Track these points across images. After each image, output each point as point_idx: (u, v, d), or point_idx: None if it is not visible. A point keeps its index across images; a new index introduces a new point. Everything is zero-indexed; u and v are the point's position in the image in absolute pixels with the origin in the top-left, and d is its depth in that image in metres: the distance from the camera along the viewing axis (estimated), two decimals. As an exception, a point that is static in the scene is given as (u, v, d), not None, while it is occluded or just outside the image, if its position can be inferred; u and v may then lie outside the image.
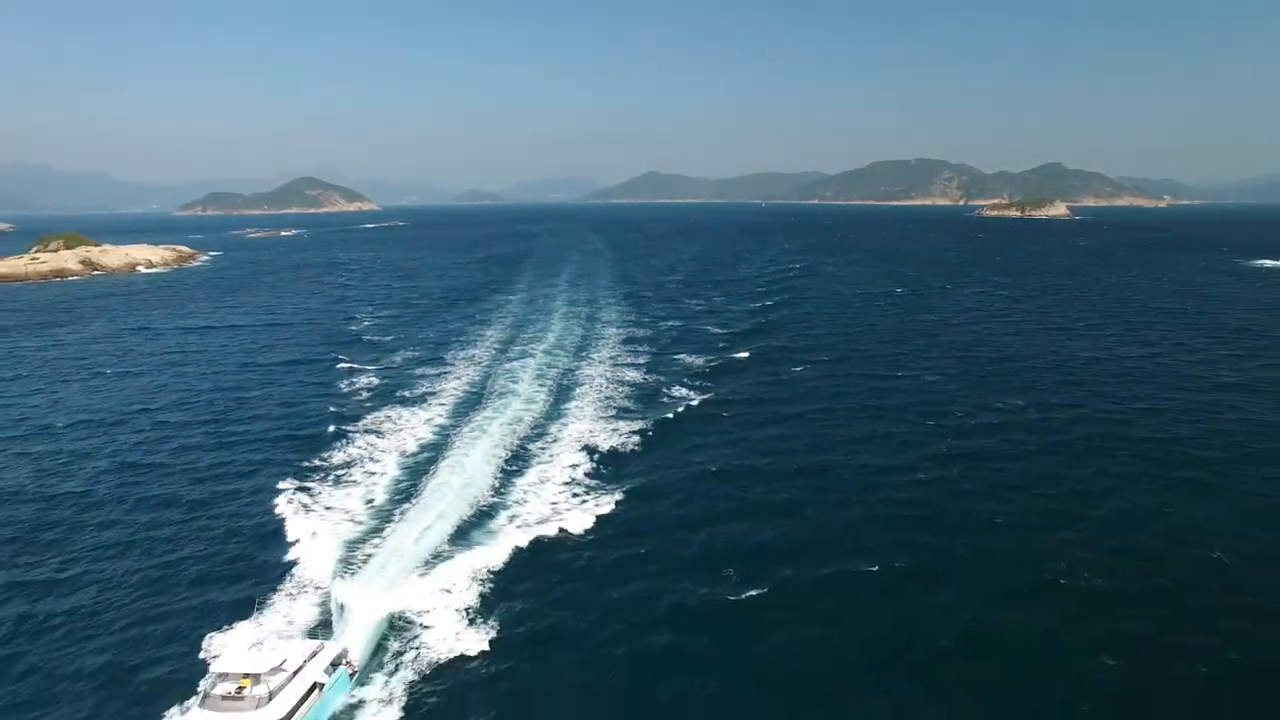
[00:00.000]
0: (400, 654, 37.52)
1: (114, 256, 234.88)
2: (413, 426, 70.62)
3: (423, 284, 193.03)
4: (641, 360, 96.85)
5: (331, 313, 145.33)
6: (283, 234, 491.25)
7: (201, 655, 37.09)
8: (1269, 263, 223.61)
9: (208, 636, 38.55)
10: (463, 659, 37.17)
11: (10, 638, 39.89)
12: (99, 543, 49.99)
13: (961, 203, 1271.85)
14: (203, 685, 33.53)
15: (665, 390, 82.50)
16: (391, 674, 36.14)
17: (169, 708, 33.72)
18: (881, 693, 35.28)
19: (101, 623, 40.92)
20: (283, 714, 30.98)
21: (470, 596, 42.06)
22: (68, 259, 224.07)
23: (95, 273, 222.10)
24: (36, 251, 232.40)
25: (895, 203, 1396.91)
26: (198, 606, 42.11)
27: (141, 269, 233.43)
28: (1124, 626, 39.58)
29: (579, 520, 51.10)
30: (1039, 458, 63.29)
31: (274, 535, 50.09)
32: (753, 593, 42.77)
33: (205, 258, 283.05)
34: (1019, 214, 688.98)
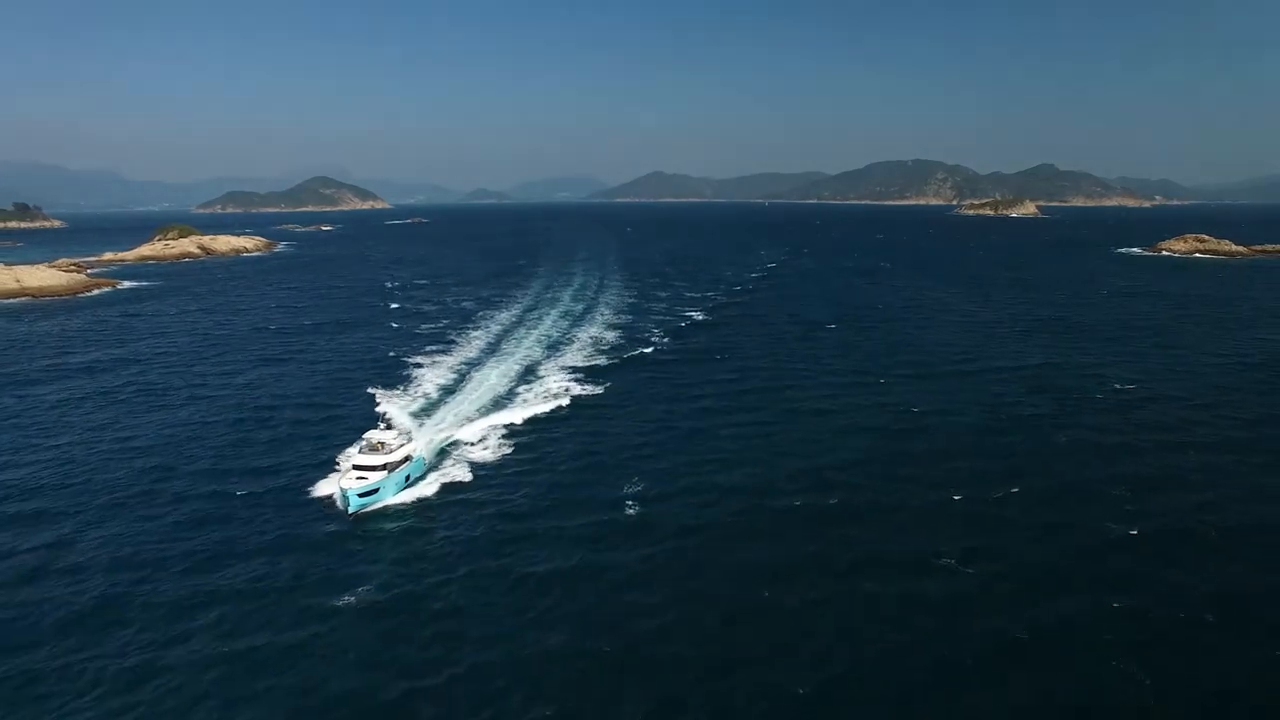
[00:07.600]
0: (452, 458, 66.99)
1: (220, 243, 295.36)
2: (462, 345, 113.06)
3: (466, 262, 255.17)
4: (635, 309, 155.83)
5: (405, 279, 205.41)
6: (323, 229, 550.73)
7: (356, 437, 68.13)
8: (1135, 250, 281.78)
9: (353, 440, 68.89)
10: (490, 466, 65.50)
11: (251, 444, 71.46)
12: (301, 385, 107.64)
13: (953, 202, 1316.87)
14: (360, 445, 62.20)
15: (646, 329, 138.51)
16: (446, 469, 64.56)
17: (343, 449, 66.75)
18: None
19: (299, 430, 76.83)
20: (398, 460, 59.99)
21: (498, 436, 72.07)
22: (187, 245, 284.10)
23: (208, 255, 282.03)
24: (159, 240, 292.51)
25: (890, 202, 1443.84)
26: (345, 431, 74.69)
27: (245, 253, 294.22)
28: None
29: (578, 396, 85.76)
30: (849, 342, 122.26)
31: (370, 401, 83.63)
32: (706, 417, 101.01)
33: (281, 246, 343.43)
34: (992, 213, 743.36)
